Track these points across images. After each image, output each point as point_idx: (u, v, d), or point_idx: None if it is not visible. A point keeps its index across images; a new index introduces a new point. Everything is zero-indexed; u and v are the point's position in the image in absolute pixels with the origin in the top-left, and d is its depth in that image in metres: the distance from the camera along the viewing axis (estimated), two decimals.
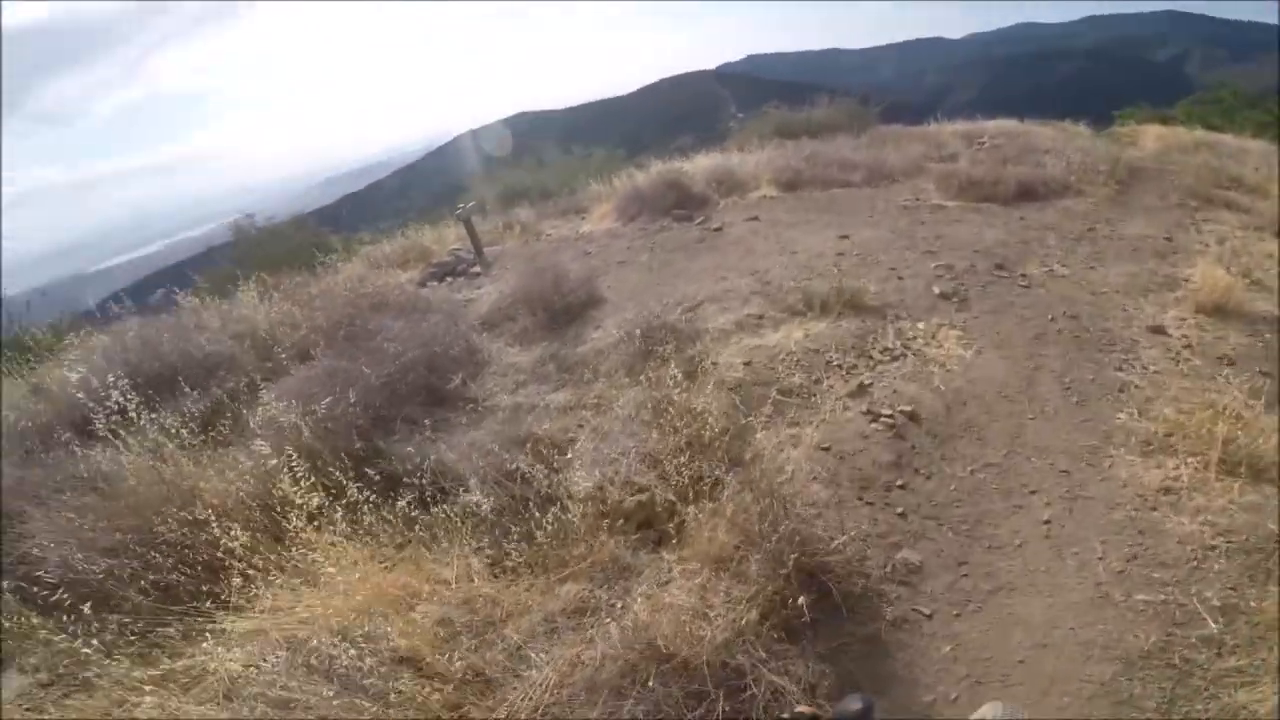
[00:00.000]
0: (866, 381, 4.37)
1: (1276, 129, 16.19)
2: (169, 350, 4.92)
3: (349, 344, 4.87)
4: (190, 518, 3.01)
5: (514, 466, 3.31)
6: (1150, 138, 13.87)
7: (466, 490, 3.20)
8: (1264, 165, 10.81)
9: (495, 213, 12.70)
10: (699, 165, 12.40)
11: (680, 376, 3.61)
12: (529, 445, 3.69)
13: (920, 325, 5.01)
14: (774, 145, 14.01)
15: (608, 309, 5.99)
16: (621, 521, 3.10)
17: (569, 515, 3.03)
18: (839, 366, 4.55)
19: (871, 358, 4.65)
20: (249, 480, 3.26)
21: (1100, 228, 7.16)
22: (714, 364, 4.62)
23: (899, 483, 3.65)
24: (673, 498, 3.14)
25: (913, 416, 4.05)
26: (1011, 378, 4.43)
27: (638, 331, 4.75)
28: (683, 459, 3.27)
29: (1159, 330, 4.89)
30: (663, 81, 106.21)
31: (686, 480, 3.19)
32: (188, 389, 4.36)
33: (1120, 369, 4.49)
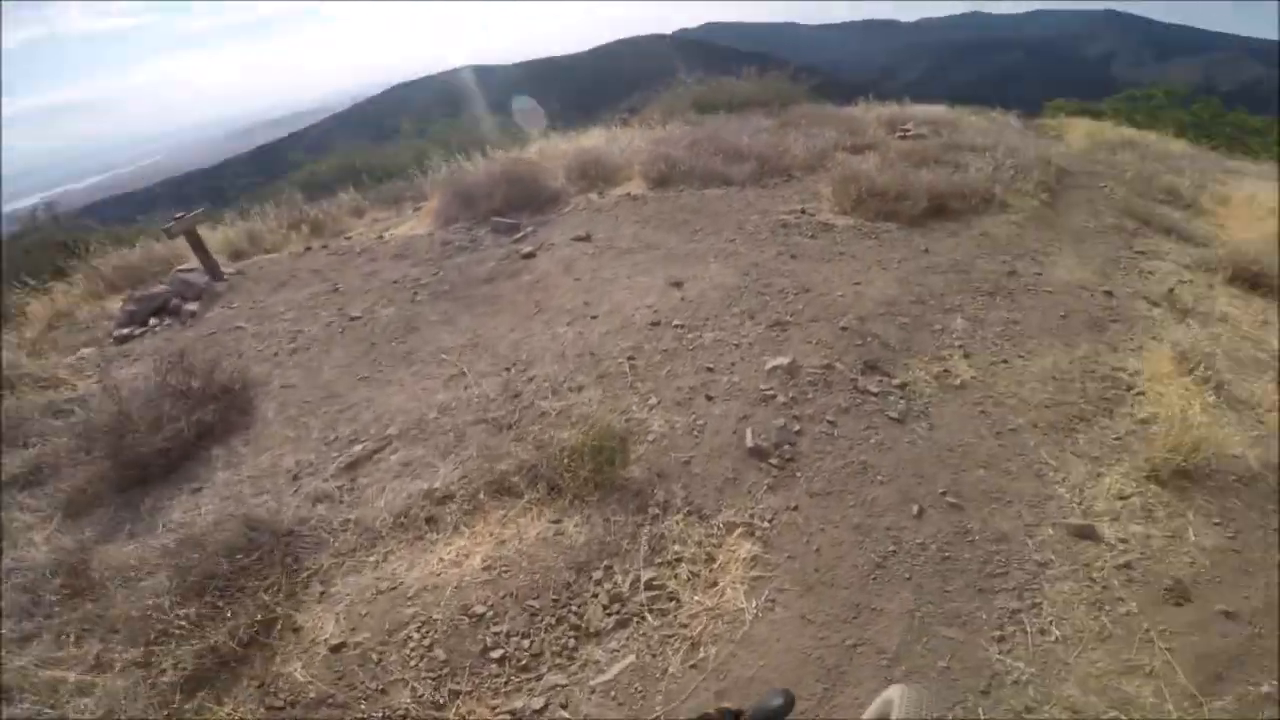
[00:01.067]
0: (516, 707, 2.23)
1: (1201, 132, 15.38)
2: None
3: None
4: None
5: None
6: (1079, 133, 12.54)
7: None
8: (1197, 175, 9.30)
9: (318, 199, 10.05)
10: (579, 145, 10.02)
11: None
12: None
13: (696, 530, 2.82)
14: (680, 122, 11.80)
15: (248, 440, 3.72)
16: None
17: None
18: (501, 660, 2.38)
19: (578, 627, 2.49)
20: None
21: (1023, 267, 5.19)
22: (294, 629, 2.47)
23: None
24: None
25: None
26: (807, 670, 2.30)
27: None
28: None
29: (1085, 534, 2.89)
30: (617, 43, 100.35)
31: None
32: None
33: (1000, 632, 2.44)
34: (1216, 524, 2.98)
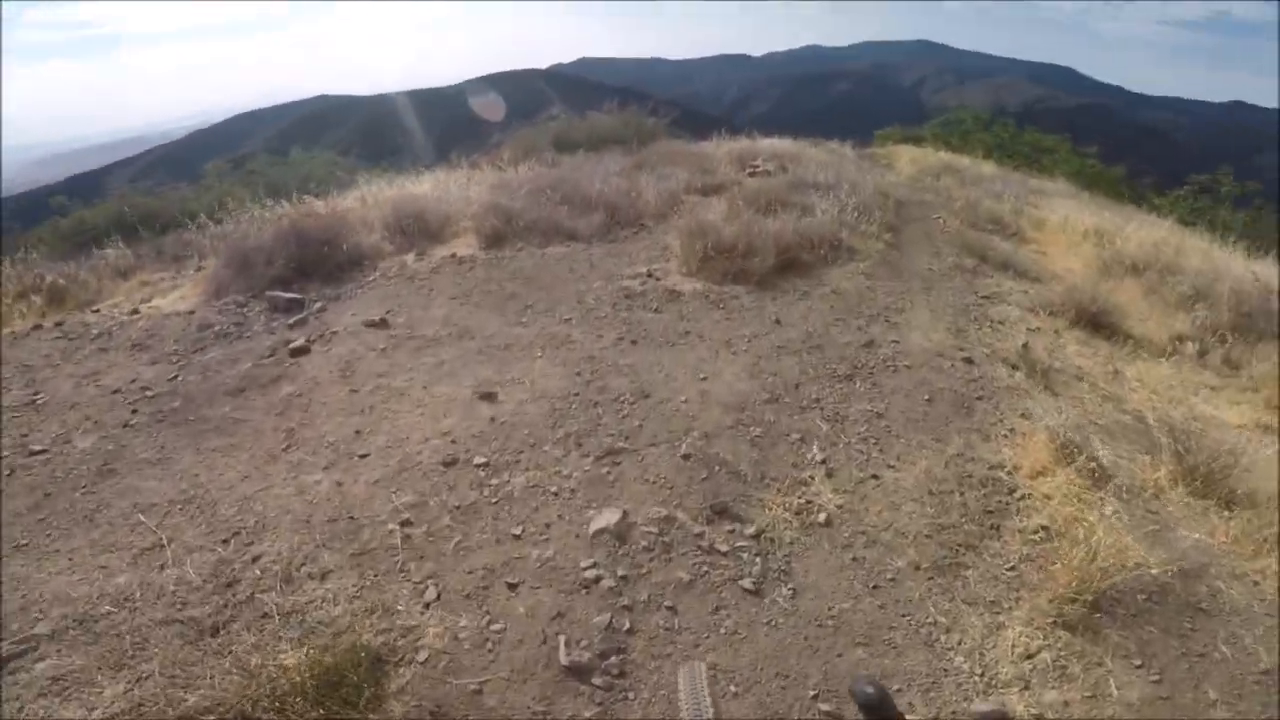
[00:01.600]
0: None
1: (1004, 152, 16.57)
2: None
3: None
4: None
5: None
6: (905, 160, 13.02)
7: None
8: (1013, 199, 9.80)
9: (81, 255, 7.95)
10: (410, 192, 8.67)
11: None
12: None
13: None
14: (535, 162, 10.76)
15: None
16: None
17: None
18: None
19: None
20: None
21: (879, 334, 4.67)
22: None
23: None
24: None
25: None
26: None
27: None
28: None
29: (994, 719, 2.20)
30: (489, 76, 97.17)
31: None
32: None
33: None
34: (1138, 666, 2.41)
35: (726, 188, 8.59)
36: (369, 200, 8.24)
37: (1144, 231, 8.64)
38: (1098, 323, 5.55)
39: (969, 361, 4.41)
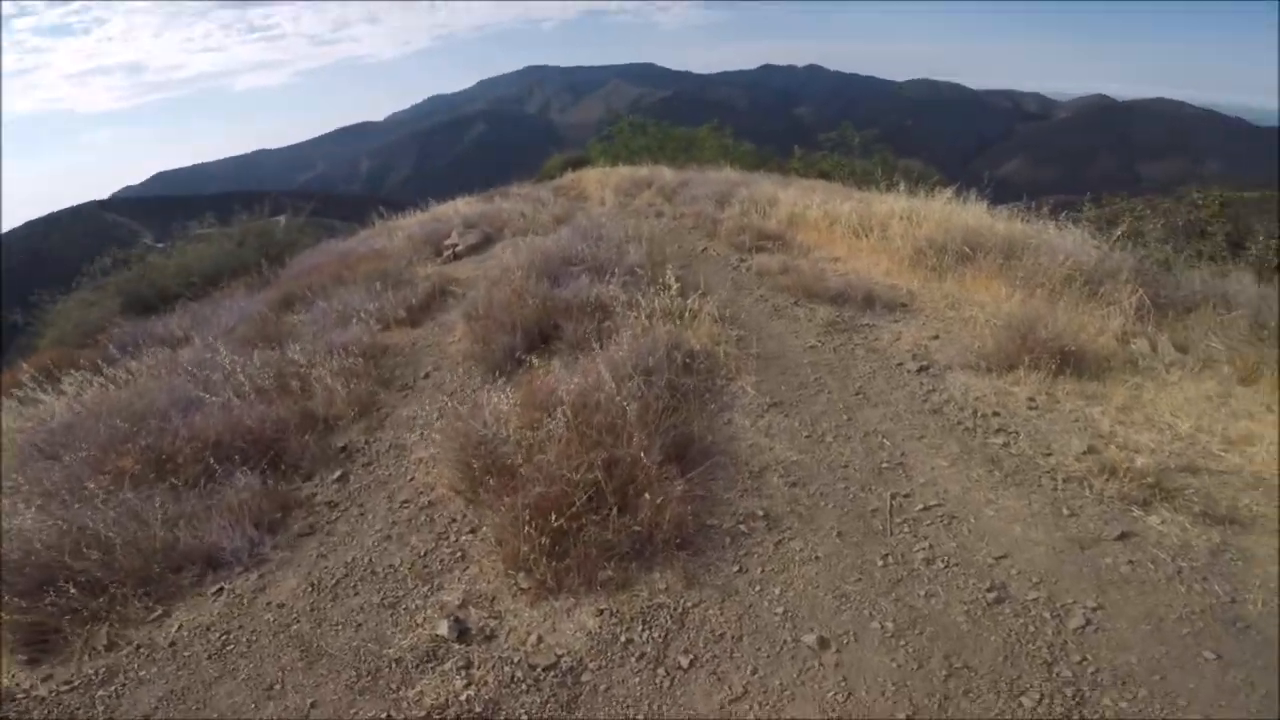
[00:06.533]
0: None
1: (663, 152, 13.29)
2: None
3: None
4: None
5: None
6: (593, 184, 10.42)
7: None
8: (745, 204, 7.22)
9: None
10: None
11: None
12: None
13: None
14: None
15: None
16: None
17: None
18: None
19: None
20: None
21: None
22: None
23: None
24: None
25: None
26: None
27: None
28: None
29: None
30: (36, 223, 51.90)
31: None
32: None
33: None
34: None
35: (442, 300, 5.12)
36: None
37: (890, 205, 5.87)
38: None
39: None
